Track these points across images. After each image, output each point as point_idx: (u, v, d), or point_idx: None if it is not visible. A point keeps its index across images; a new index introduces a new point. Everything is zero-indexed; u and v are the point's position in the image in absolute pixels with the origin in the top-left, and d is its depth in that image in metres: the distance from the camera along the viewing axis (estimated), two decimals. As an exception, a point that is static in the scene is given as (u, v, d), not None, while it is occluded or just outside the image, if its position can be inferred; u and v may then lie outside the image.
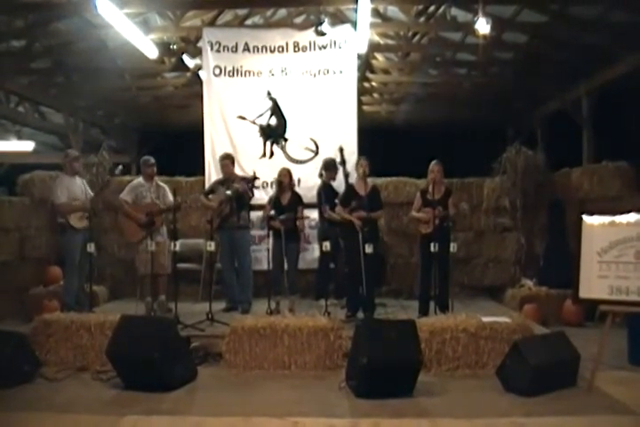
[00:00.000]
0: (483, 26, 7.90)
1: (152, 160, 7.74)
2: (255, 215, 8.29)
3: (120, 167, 8.09)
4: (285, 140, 9.14)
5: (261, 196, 8.50)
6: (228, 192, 7.43)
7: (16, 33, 9.33)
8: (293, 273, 7.62)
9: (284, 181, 7.68)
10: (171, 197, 7.60)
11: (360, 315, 7.07)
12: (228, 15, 10.42)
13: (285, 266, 7.34)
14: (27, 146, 13.45)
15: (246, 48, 9.25)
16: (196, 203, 8.05)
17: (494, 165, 9.23)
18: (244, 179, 7.68)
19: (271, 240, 7.26)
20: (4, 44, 9.65)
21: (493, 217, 9.32)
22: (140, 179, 7.75)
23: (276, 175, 7.87)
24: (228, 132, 9.20)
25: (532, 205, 8.98)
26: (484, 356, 5.72)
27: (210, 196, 7.80)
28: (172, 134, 13.83)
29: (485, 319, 5.91)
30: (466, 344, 5.72)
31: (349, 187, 7.39)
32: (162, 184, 7.80)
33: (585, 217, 5.66)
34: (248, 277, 7.70)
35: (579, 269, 5.59)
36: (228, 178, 7.74)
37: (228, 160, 7.82)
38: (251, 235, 8.03)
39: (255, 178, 7.68)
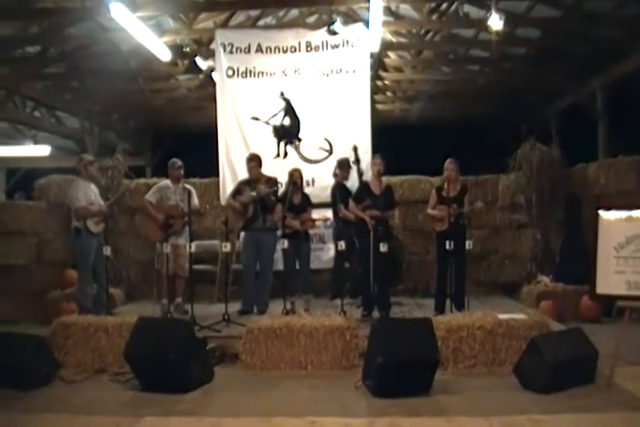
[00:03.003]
0: (496, 22, 7.87)
1: (179, 163, 7.74)
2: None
3: None
4: (299, 140, 9.14)
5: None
6: (253, 193, 7.41)
7: (31, 39, 9.43)
8: (307, 273, 7.62)
9: (298, 182, 7.65)
10: (196, 200, 7.58)
11: (376, 314, 7.06)
12: (240, 16, 10.44)
13: (297, 266, 7.33)
14: (43, 150, 13.57)
15: (259, 49, 9.25)
16: (215, 209, 8.04)
17: (509, 162, 9.16)
18: (269, 180, 7.61)
19: (286, 241, 7.23)
20: (20, 50, 9.76)
21: (509, 214, 9.26)
22: (167, 181, 7.77)
23: (287, 175, 7.83)
24: (242, 133, 9.21)
25: (548, 201, 8.91)
26: (500, 353, 5.68)
27: (237, 196, 7.70)
28: (185, 136, 13.90)
29: (502, 316, 5.87)
30: (482, 342, 5.68)
31: (364, 184, 7.36)
32: (188, 187, 7.76)
33: (601, 212, 5.61)
34: (267, 279, 7.66)
35: (595, 264, 5.54)
36: (255, 179, 7.67)
37: (254, 162, 7.69)
38: (277, 236, 7.75)
39: (278, 183, 7.65)
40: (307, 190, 7.99)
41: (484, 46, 10.19)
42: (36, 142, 13.89)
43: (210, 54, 10.02)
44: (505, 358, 5.66)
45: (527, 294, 8.31)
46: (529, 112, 13.46)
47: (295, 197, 7.57)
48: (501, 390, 5.08)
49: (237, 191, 7.74)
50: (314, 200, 7.89)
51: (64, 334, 6.04)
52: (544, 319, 6.06)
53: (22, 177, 14.63)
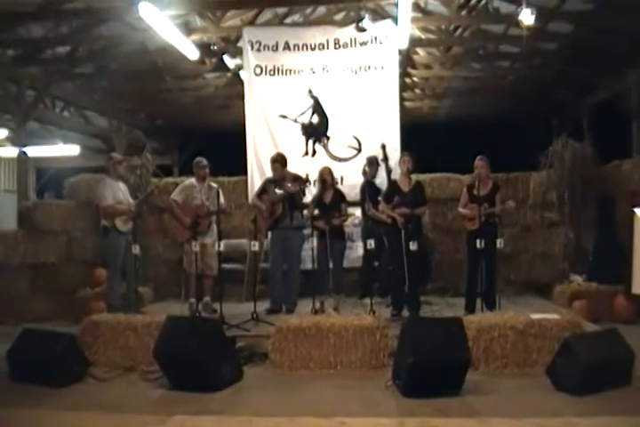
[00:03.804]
0: (527, 17, 7.79)
1: (204, 162, 7.77)
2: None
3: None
4: (327, 138, 9.12)
5: (307, 195, 8.45)
6: (281, 192, 7.41)
7: (61, 39, 9.55)
8: (339, 272, 7.60)
9: (327, 180, 7.64)
10: (222, 199, 7.59)
11: (405, 313, 7.04)
12: (267, 14, 10.47)
13: (330, 265, 7.33)
14: (72, 150, 13.73)
15: (287, 46, 9.26)
16: (241, 208, 8.12)
17: (541, 159, 9.07)
18: (297, 178, 7.61)
19: (315, 239, 7.24)
20: (50, 50, 9.87)
21: (540, 212, 9.17)
22: (193, 180, 7.81)
23: (317, 174, 7.83)
24: (270, 131, 9.22)
25: (581, 199, 8.80)
26: (532, 354, 5.62)
27: (262, 196, 7.72)
28: (213, 135, 13.97)
29: (534, 316, 5.81)
30: (514, 342, 5.63)
31: (392, 183, 7.36)
32: (214, 185, 7.79)
33: (637, 210, 5.53)
34: (295, 278, 7.68)
35: (631, 263, 5.46)
36: (280, 178, 7.67)
37: (278, 164, 7.66)
38: (304, 235, 7.85)
39: (307, 181, 7.65)
40: (335, 189, 7.98)
41: (515, 42, 10.09)
42: (65, 142, 14.05)
43: (237, 52, 10.06)
44: (537, 359, 5.60)
45: (560, 293, 8.20)
46: (560, 108, 13.31)
47: (325, 195, 7.58)
48: (534, 392, 5.02)
49: (263, 190, 7.77)
50: (342, 199, 7.88)
51: (94, 332, 6.11)
52: (577, 319, 5.99)
53: (52, 176, 14.82)
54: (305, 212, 7.74)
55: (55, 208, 8.96)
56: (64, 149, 13.81)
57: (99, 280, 8.44)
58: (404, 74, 11.33)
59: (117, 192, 7.47)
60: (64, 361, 5.44)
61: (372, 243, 6.96)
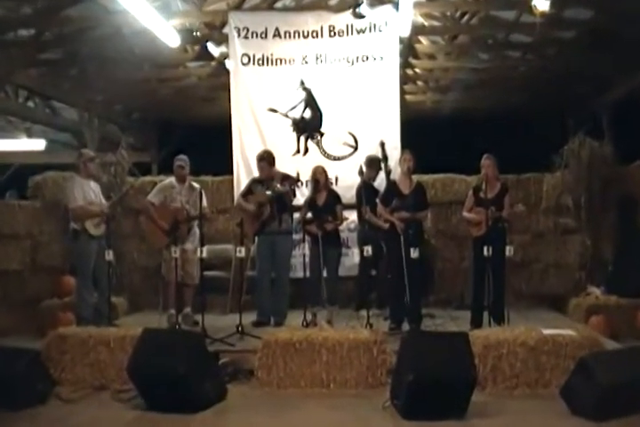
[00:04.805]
0: (541, 2, 7.82)
1: (182, 162, 7.75)
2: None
3: None
4: (321, 134, 9.16)
5: (297, 196, 8.46)
6: (268, 192, 7.43)
7: (24, 21, 9.48)
8: (333, 282, 7.61)
9: (321, 180, 7.65)
10: (204, 201, 7.56)
11: (405, 327, 7.05)
12: (256, -3, 10.48)
13: (324, 274, 7.34)
14: (38, 145, 13.69)
15: (277, 34, 9.29)
16: (223, 214, 8.32)
17: (555, 159, 9.11)
18: (286, 178, 7.62)
19: (307, 245, 7.24)
20: (11, 33, 9.82)
21: (554, 217, 9.20)
22: (172, 179, 7.80)
23: (310, 174, 7.84)
24: (258, 126, 9.24)
25: (599, 204, 8.85)
26: (545, 373, 5.64)
27: (248, 196, 7.73)
28: (196, 130, 13.95)
29: (547, 332, 5.84)
30: (525, 360, 5.64)
31: (391, 184, 7.38)
32: (195, 186, 7.80)
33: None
34: (285, 287, 7.71)
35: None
36: (267, 178, 7.69)
37: (264, 162, 7.66)
38: (294, 240, 7.93)
39: (298, 180, 7.66)
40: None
41: (527, 30, 10.11)
42: (29, 136, 14.00)
43: (223, 39, 10.06)
44: (550, 379, 5.62)
45: (575, 307, 8.24)
46: (577, 103, 13.35)
47: (318, 197, 7.60)
48: (546, 415, 5.04)
49: (248, 191, 7.78)
50: (337, 201, 7.91)
51: (61, 347, 6.08)
52: (595, 336, 6.01)
53: (14, 173, 14.76)
54: (295, 215, 7.76)
55: (18, 209, 8.94)
56: (28, 144, 13.77)
57: (67, 289, 8.41)
58: (405, 65, 11.35)
59: (88, 192, 7.45)
60: (26, 380, 5.40)
61: (369, 250, 6.98)
